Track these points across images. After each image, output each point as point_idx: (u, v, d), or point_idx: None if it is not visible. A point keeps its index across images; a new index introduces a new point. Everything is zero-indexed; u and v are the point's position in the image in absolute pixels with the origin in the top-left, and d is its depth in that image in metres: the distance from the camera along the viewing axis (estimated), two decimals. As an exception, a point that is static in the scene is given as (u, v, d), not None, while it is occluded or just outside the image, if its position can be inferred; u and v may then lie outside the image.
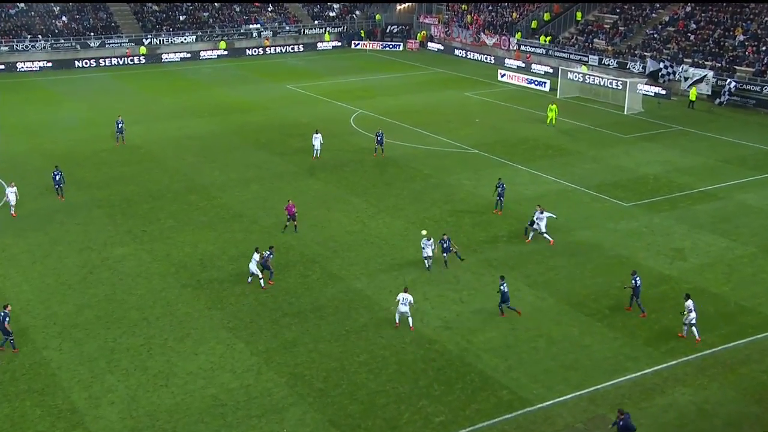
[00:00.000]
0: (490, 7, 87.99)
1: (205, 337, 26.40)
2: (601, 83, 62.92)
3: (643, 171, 44.82)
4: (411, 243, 34.41)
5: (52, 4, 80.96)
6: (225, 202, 39.11)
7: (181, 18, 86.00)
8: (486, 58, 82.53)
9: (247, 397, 23.23)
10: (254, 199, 39.66)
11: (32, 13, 79.41)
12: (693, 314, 26.17)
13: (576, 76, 64.95)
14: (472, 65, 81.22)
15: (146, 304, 28.67)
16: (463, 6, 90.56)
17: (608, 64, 70.05)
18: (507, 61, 79.41)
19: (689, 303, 26.37)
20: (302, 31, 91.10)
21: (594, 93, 64.05)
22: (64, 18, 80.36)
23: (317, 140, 46.01)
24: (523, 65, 77.18)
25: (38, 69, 75.06)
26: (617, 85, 61.36)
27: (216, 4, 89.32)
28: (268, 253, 30.34)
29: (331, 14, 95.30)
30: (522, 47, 79.70)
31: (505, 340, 26.52)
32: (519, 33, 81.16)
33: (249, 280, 30.29)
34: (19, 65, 74.43)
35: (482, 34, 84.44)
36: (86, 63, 77.20)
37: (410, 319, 27.14)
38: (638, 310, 28.23)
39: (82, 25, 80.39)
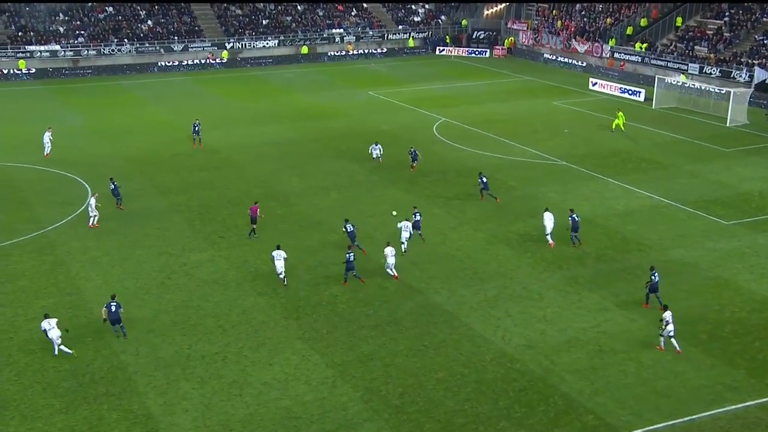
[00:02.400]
0: (583, 13, 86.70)
1: (280, 347, 26.80)
2: (702, 93, 61.07)
3: (746, 187, 43.24)
4: (494, 257, 34.15)
5: (139, 8, 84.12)
6: (303, 210, 39.68)
7: (264, 22, 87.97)
8: (577, 66, 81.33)
9: (321, 410, 23.44)
10: (333, 207, 40.10)
11: (120, 17, 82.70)
12: (671, 326, 26.15)
13: (674, 85, 63.25)
14: (561, 73, 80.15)
15: (222, 311, 29.32)
16: (553, 12, 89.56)
17: (710, 73, 67.91)
18: (599, 69, 78.05)
19: (667, 315, 26.32)
20: (386, 36, 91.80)
21: (693, 103, 62.23)
22: (149, 22, 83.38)
23: (377, 150, 46.88)
24: (617, 73, 75.71)
25: (123, 72, 78.01)
26: (720, 96, 59.43)
27: (299, 7, 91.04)
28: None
29: (415, 19, 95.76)
30: (616, 54, 78.17)
31: (591, 361, 25.97)
32: (613, 40, 79.64)
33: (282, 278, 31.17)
34: (105, 69, 77.51)
35: (573, 40, 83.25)
36: (169, 67, 79.86)
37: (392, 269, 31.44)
38: (656, 303, 28.84)
39: (166, 28, 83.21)
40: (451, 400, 23.91)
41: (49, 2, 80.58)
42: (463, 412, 23.37)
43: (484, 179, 40.87)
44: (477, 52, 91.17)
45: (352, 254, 31.45)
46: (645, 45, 76.22)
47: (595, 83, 71.44)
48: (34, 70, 74.72)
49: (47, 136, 48.23)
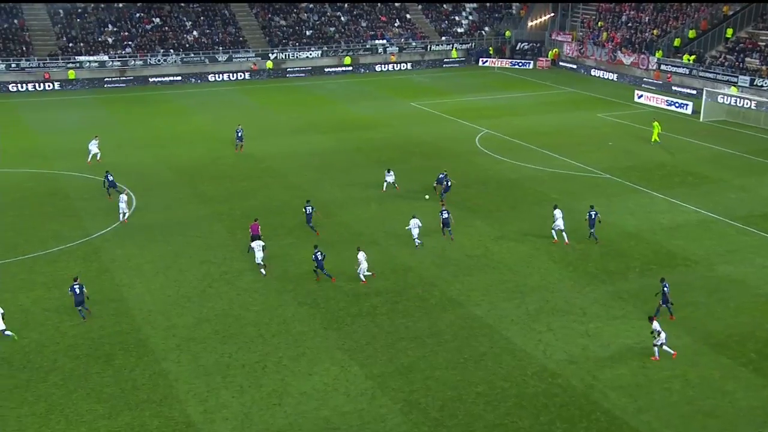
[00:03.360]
0: (629, 24, 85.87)
1: (319, 357, 26.91)
2: (753, 106, 59.97)
3: (797, 203, 42.34)
4: (536, 270, 33.90)
5: (185, 18, 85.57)
6: (344, 220, 39.85)
7: (308, 33, 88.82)
8: (622, 78, 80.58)
9: (360, 422, 23.45)
10: (373, 219, 40.21)
11: (166, 27, 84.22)
12: (663, 335, 26.55)
13: (724, 98, 62.24)
14: (606, 85, 79.46)
15: (262, 320, 29.55)
16: (599, 23, 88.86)
17: (761, 86, 66.66)
18: (645, 81, 77.18)
19: (656, 325, 26.70)
20: (429, 47, 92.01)
21: (743, 117, 61.18)
22: (195, 32, 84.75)
23: (390, 176, 44.37)
24: (663, 86, 74.77)
25: (168, 82, 79.39)
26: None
27: (342, 18, 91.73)
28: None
29: (459, 30, 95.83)
30: (663, 66, 77.26)
31: (635, 378, 25.58)
32: (660, 51, 78.72)
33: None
34: (151, 79, 78.97)
35: (619, 52, 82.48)
36: (214, 77, 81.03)
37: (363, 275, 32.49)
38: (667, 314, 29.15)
39: (211, 39, 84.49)
40: (491, 414, 23.75)
41: (64, 2, 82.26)
42: (504, 426, 23.18)
43: (447, 182, 42.05)
44: (520, 64, 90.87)
45: (319, 252, 32.32)
46: (693, 57, 75.18)
47: (641, 95, 70.67)
48: (83, 80, 76.44)
49: (93, 145, 49.60)
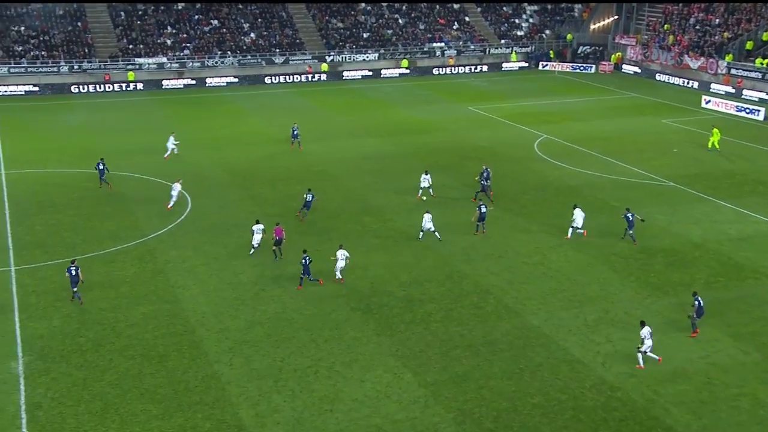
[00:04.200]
0: (697, 27, 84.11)
1: (372, 364, 26.96)
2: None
3: None
4: (594, 279, 33.44)
5: (243, 20, 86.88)
6: (399, 226, 39.88)
7: (365, 35, 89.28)
8: (688, 83, 78.96)
9: (412, 430, 23.41)
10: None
11: (224, 30, 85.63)
12: (649, 341, 26.37)
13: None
14: (672, 90, 77.98)
15: (315, 325, 29.74)
16: (665, 26, 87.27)
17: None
18: (714, 86, 75.51)
19: (645, 331, 26.47)
20: (487, 50, 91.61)
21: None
22: (252, 35, 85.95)
23: (426, 181, 43.76)
24: (733, 91, 73.05)
25: (225, 84, 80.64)
26: None
27: (400, 21, 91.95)
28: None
29: (518, 33, 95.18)
30: (733, 71, 75.45)
31: (699, 394, 25.00)
32: (730, 55, 76.90)
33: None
34: (208, 80, 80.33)
35: (686, 56, 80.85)
36: (271, 79, 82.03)
37: (437, 233, 35.77)
38: (704, 329, 28.72)
39: (268, 41, 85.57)
40: (547, 427, 23.47)
41: (126, 2, 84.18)
42: (560, 440, 22.90)
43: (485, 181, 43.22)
44: (582, 68, 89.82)
45: (307, 257, 32.44)
46: (766, 61, 73.25)
47: (709, 101, 69.18)
48: (142, 82, 78.17)
49: (171, 141, 52.08)
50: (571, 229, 37.96)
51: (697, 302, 28.74)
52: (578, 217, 37.83)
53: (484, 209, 38.36)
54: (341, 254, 33.12)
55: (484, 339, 28.61)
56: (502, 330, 29.28)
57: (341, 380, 25.98)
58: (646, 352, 26.65)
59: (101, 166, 45.32)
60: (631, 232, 37.12)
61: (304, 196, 40.37)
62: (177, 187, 41.75)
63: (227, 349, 27.97)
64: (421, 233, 37.57)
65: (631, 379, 25.94)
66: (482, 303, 31.44)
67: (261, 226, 35.97)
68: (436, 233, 37.36)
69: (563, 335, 28.79)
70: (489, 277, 33.77)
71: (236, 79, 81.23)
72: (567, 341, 28.34)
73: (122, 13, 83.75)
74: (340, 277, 33.20)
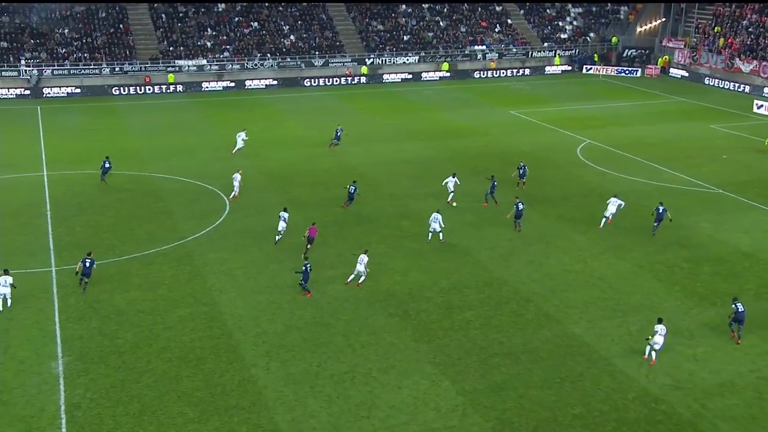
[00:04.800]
0: (750, 29, 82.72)
1: (409, 370, 26.96)
2: None
3: None
4: (637, 288, 33.07)
5: (282, 23, 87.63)
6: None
7: (405, 38, 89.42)
8: (739, 87, 77.75)
9: (449, 438, 23.37)
10: (467, 229, 40.04)
11: (264, 32, 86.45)
12: (660, 339, 26.88)
13: None
14: (721, 94, 76.80)
15: (352, 330, 29.83)
16: (716, 28, 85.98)
17: None
18: (767, 90, 74.13)
19: (659, 327, 27.04)
20: (530, 53, 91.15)
21: None
22: (292, 37, 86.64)
23: (451, 183, 43.91)
24: (786, 95, 71.75)
25: (264, 87, 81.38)
26: None
27: (441, 23, 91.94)
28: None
29: (562, 36, 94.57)
30: (786, 74, 74.17)
31: (749, 409, 24.56)
32: (782, 58, 75.58)
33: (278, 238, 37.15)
34: (248, 83, 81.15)
35: (737, 59, 79.59)
36: (310, 81, 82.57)
37: (440, 234, 37.06)
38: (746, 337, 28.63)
39: (308, 44, 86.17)
40: (588, 439, 23.25)
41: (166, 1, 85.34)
42: (601, 452, 22.67)
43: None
44: (627, 71, 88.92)
45: (308, 265, 32.62)
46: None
47: (761, 106, 68.01)
48: (181, 84, 79.24)
49: (242, 137, 54.42)
50: (603, 219, 39.89)
51: (734, 307, 28.75)
52: (612, 205, 39.90)
53: (521, 206, 39.09)
54: (362, 259, 33.38)
55: (524, 347, 28.44)
56: (542, 338, 29.09)
57: (378, 386, 26.02)
58: (654, 349, 27.07)
59: (107, 165, 47.10)
60: (656, 224, 38.59)
61: (348, 187, 42.43)
62: (237, 177, 44.34)
63: (264, 353, 28.18)
64: (430, 234, 38.06)
65: (676, 391, 25.59)
66: (522, 310, 31.27)
67: (286, 214, 37.72)
68: (440, 234, 37.84)
69: (605, 345, 28.50)
70: (529, 284, 33.58)
71: (275, 82, 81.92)
72: (609, 351, 28.05)
73: (163, 16, 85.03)
74: (351, 280, 33.46)
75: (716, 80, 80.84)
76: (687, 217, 41.35)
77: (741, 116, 66.64)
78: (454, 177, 43.97)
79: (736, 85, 78.21)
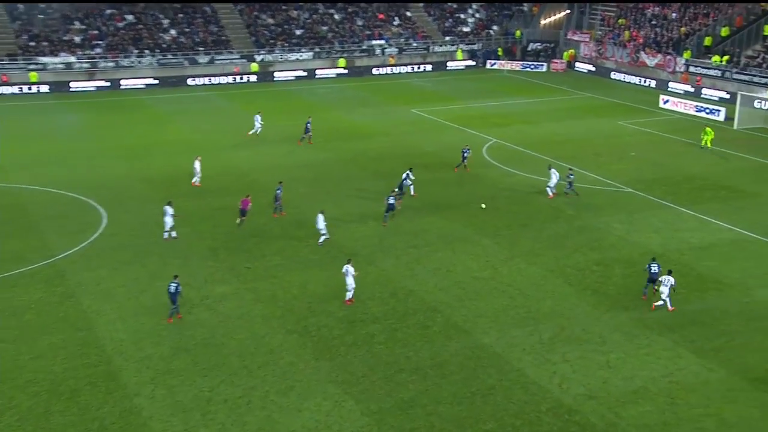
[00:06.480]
0: (653, 22, 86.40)
1: (310, 391, 26.88)
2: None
3: (842, 220, 42.52)
4: (548, 294, 33.97)
5: (161, 16, 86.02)
6: (338, 240, 39.90)
7: (298, 33, 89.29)
8: (646, 82, 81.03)
9: (354, 463, 23.40)
10: (371, 237, 40.29)
11: (140, 26, 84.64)
12: (666, 290, 31.99)
13: (761, 103, 62.54)
14: (628, 89, 79.90)
15: (247, 350, 29.53)
16: (620, 20, 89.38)
17: (806, 89, 66.93)
18: (672, 85, 77.65)
19: (668, 278, 32.05)
20: (431, 48, 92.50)
21: (785, 124, 61.61)
22: (172, 31, 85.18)
23: (408, 178, 45.65)
24: (692, 90, 75.25)
25: (144, 87, 79.73)
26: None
27: (336, 17, 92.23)
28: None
29: (464, 30, 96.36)
30: (691, 68, 77.71)
31: (662, 416, 25.56)
32: (688, 52, 79.23)
33: None
34: (124, 82, 79.29)
35: (642, 53, 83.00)
36: (194, 80, 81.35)
37: (322, 236, 38.12)
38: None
39: (191, 39, 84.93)
40: (501, 456, 23.71)
41: (51, 1, 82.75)
42: (515, 469, 23.15)
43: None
44: (532, 66, 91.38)
45: (176, 283, 31.30)
46: (726, 57, 75.60)
47: (667, 101, 71.08)
48: (47, 84, 76.65)
49: (258, 120, 59.65)
50: (548, 188, 45.29)
51: (648, 267, 33.22)
52: (553, 176, 45.39)
53: (392, 200, 41.41)
54: (346, 269, 33.10)
55: (432, 361, 28.78)
56: (451, 351, 29.50)
57: (276, 410, 25.83)
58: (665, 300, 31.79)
59: None
60: (570, 188, 45.34)
61: (276, 190, 43.03)
62: (197, 164, 47.14)
63: (149, 379, 27.54)
64: (322, 237, 38.89)
65: (590, 401, 26.39)
66: (429, 322, 31.64)
67: (170, 209, 38.99)
68: (322, 236, 38.88)
69: (517, 355, 29.15)
70: (436, 294, 34.02)
71: (156, 81, 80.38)
72: (521, 361, 28.69)
73: (20, 6, 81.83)
74: (350, 297, 33.17)
75: (622, 75, 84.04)
76: (597, 217, 42.78)
77: (648, 112, 69.50)
78: (410, 171, 46.28)
79: (642, 79, 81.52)
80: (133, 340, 30.10)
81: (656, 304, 32.41)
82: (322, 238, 38.82)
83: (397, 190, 44.26)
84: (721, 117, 65.48)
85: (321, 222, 38.71)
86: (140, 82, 79.81)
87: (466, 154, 51.87)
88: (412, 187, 45.73)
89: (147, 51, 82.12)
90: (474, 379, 27.68)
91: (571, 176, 46.02)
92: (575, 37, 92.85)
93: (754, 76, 71.77)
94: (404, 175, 45.37)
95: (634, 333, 30.73)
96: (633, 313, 32.36)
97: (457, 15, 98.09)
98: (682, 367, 28.36)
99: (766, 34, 76.66)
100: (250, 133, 58.97)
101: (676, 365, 28.45)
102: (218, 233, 40.69)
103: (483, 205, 43.76)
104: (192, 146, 57.21)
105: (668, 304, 32.26)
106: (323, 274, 35.81)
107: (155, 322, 31.51)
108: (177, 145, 57.93)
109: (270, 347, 29.74)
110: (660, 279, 32.46)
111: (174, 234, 39.38)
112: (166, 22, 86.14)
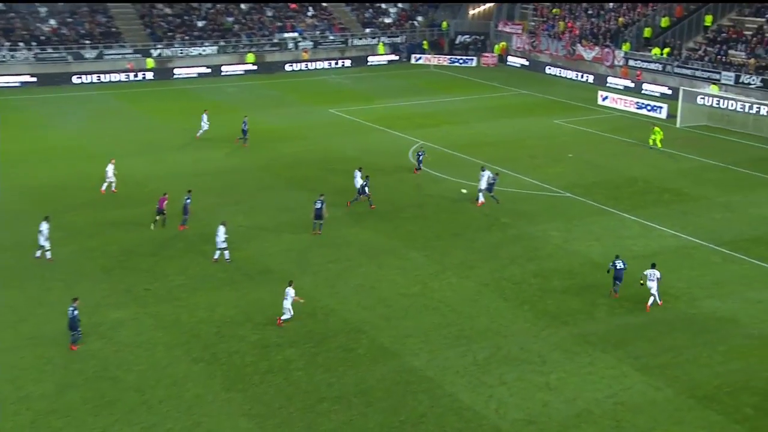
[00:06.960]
0: (590, 12, 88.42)
1: (220, 427, 26.63)
2: (739, 108, 62.32)
3: (792, 223, 44.18)
4: (483, 310, 34.38)
5: (37, 4, 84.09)
6: (250, 255, 39.70)
7: (200, 24, 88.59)
8: (583, 77, 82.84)
9: (271, 505, 23.28)
10: (287, 252, 40.18)
11: (12, 14, 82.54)
12: (655, 284, 34.05)
13: (704, 99, 64.53)
14: (564, 85, 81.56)
15: (147, 383, 29.10)
16: (554, 10, 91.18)
17: (748, 83, 69.31)
18: (611, 80, 79.53)
19: (649, 272, 34.16)
20: (349, 41, 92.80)
21: (728, 121, 63.61)
22: (52, 22, 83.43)
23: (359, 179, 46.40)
24: (632, 85, 77.22)
25: (19, 85, 77.94)
26: (761, 111, 60.67)
27: (243, 6, 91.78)
28: None
29: (386, 21, 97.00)
30: (631, 62, 79.75)
31: (607, 440, 26.13)
32: (627, 44, 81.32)
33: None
34: (-6, 80, 77.52)
35: (579, 45, 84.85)
36: (80, 78, 79.87)
37: (225, 252, 38.40)
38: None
39: (75, 31, 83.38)
40: (434, 490, 23.88)
41: None
42: (450, 504, 23.34)
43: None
44: (461, 61, 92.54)
45: (74, 308, 30.95)
46: (666, 50, 77.81)
47: (606, 97, 72.79)
48: None
49: (204, 118, 60.22)
50: (479, 193, 46.09)
51: (612, 265, 35.37)
52: (483, 179, 46.12)
53: (319, 205, 41.73)
54: (286, 292, 33.05)
55: (357, 388, 28.83)
56: (377, 375, 29.60)
57: (181, 450, 25.56)
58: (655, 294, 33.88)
59: None
60: (492, 193, 46.27)
61: (185, 200, 42.43)
62: (110, 168, 47.71)
63: (28, 422, 26.78)
64: (224, 253, 38.93)
65: (529, 426, 26.77)
66: (353, 344, 31.69)
67: (46, 225, 38.28)
68: (225, 252, 38.87)
69: (450, 378, 29.40)
70: (360, 313, 34.11)
71: (33, 79, 78.66)
72: (454, 385, 28.95)
73: None
74: (286, 317, 33.10)
75: (558, 69, 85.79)
76: (534, 225, 43.52)
77: (585, 109, 71.06)
78: (360, 170, 47.09)
79: (579, 74, 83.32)
80: (10, 378, 29.25)
81: (649, 304, 34.33)
82: (225, 254, 38.69)
83: (359, 195, 45.48)
84: (663, 114, 67.30)
85: (222, 234, 38.51)
86: (14, 80, 77.93)
87: (421, 157, 52.76)
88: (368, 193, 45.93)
89: (21, 44, 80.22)
90: (403, 406, 27.81)
91: (495, 178, 46.86)
92: (507, 29, 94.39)
93: (696, 69, 73.95)
94: (363, 182, 45.65)
95: (575, 350, 31.31)
96: (573, 328, 32.98)
97: (377, 5, 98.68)
98: (627, 386, 29.00)
99: (707, 25, 79.11)
100: (198, 134, 59.91)
101: (621, 384, 29.08)
102: (111, 251, 40.02)
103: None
104: (78, 153, 56.32)
105: (657, 298, 34.38)
106: (233, 295, 35.56)
107: (37, 355, 30.74)
108: (60, 152, 56.87)
109: (173, 378, 29.37)
110: (644, 273, 34.44)
111: (48, 255, 38.45)
112: (43, 10, 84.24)
